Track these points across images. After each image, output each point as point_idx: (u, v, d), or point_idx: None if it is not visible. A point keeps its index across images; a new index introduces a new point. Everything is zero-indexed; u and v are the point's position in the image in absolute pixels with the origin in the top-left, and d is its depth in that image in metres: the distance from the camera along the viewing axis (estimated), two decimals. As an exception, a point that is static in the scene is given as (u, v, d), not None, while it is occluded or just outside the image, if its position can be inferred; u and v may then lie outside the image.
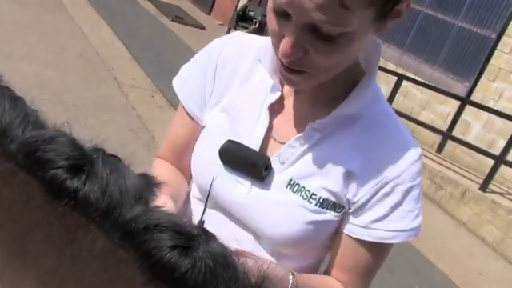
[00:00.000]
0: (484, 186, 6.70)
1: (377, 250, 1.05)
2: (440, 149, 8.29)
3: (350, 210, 1.02)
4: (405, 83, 8.30)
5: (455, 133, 8.00)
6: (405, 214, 1.01)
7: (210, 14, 14.23)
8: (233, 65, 1.09)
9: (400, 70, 9.07)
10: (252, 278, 0.36)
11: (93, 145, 0.38)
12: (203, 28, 12.12)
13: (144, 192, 0.37)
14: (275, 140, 1.04)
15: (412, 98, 9.10)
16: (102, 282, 0.33)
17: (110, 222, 0.34)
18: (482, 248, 6.24)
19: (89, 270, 0.34)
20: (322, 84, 0.97)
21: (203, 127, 1.12)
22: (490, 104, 7.73)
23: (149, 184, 0.38)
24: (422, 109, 8.93)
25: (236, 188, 1.03)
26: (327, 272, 1.09)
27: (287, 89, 1.06)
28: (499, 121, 7.49)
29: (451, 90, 8.14)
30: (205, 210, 0.93)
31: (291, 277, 0.96)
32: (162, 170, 1.17)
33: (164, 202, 0.74)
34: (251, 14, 11.17)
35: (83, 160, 0.36)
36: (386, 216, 1.00)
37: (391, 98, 8.09)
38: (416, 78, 8.69)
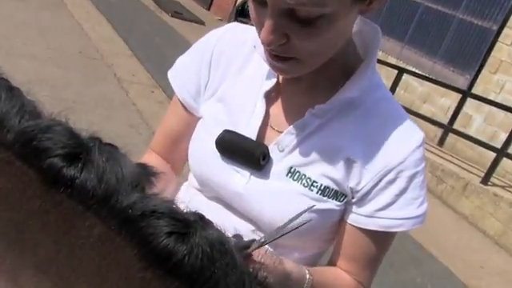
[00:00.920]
0: (485, 179, 6.69)
1: (382, 239, 1.04)
2: (441, 142, 8.28)
3: (354, 200, 1.01)
4: (405, 76, 8.28)
5: (456, 126, 7.98)
6: (410, 202, 1.00)
7: (209, 9, 14.20)
8: (228, 55, 1.07)
9: (400, 64, 9.05)
10: (250, 265, 0.35)
11: (89, 134, 0.38)
12: (203, 23, 12.09)
13: (141, 179, 0.37)
14: (273, 128, 1.03)
15: (413, 91, 9.08)
16: (99, 268, 0.33)
17: (106, 209, 0.34)
18: (484, 241, 6.24)
19: (86, 257, 0.34)
20: (319, 70, 0.95)
21: (198, 118, 1.11)
22: (492, 97, 7.71)
23: (145, 172, 0.38)
24: (423, 102, 8.92)
25: (234, 178, 1.02)
26: (332, 263, 1.08)
27: (284, 76, 1.04)
28: (501, 113, 7.48)
29: (452, 83, 8.13)
30: None
31: (308, 275, 0.94)
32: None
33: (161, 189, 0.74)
34: (251, 8, 11.11)
35: (79, 148, 0.36)
36: (390, 204, 0.99)
37: (392, 92, 8.02)
38: (417, 71, 8.67)
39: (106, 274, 0.33)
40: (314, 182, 0.98)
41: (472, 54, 8.39)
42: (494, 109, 7.50)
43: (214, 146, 1.02)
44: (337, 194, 1.00)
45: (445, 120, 8.21)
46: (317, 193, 0.98)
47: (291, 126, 1.00)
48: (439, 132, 8.35)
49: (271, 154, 1.00)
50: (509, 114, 7.06)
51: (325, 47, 0.90)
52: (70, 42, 7.33)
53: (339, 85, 0.99)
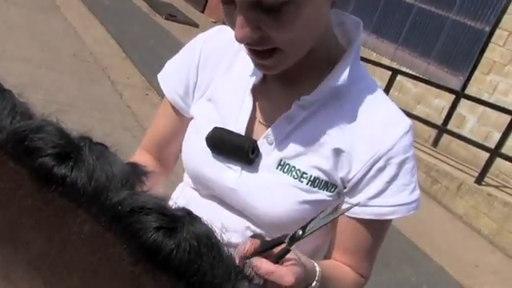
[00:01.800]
0: (479, 179, 6.71)
1: (377, 228, 1.05)
2: (435, 142, 8.31)
3: (345, 190, 1.02)
4: (399, 78, 8.32)
5: (450, 126, 8.01)
6: (401, 188, 1.01)
7: (203, 11, 14.21)
8: (216, 56, 1.09)
9: (394, 65, 9.08)
10: (236, 259, 0.36)
11: (80, 133, 0.38)
12: (197, 26, 12.09)
13: (130, 177, 0.38)
14: (261, 123, 1.04)
15: (407, 92, 9.11)
16: (90, 263, 0.34)
17: (97, 206, 0.35)
18: (478, 240, 6.26)
19: (78, 252, 0.34)
20: (302, 62, 0.96)
21: (188, 119, 1.13)
22: (485, 97, 7.75)
23: (136, 170, 0.38)
24: (417, 103, 8.95)
25: (226, 173, 1.03)
26: (328, 257, 1.09)
27: None
28: (494, 114, 7.51)
29: (446, 84, 8.16)
30: None
31: (317, 268, 0.93)
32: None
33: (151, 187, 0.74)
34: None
35: (70, 147, 0.37)
36: (382, 191, 1.00)
37: (386, 93, 8.05)
38: (410, 72, 8.70)
39: (97, 268, 0.34)
40: (303, 173, 0.99)
41: (465, 55, 8.42)
42: (487, 109, 7.53)
43: (204, 143, 1.04)
44: (327, 185, 1.00)
45: (439, 121, 8.24)
46: (307, 184, 0.99)
47: (279, 119, 1.01)
48: (433, 133, 8.38)
49: (261, 148, 1.01)
50: (502, 114, 7.09)
51: (301, 34, 0.89)
52: (63, 44, 7.32)
53: (323, 76, 1.00)
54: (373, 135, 0.99)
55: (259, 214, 1.01)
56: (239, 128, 1.03)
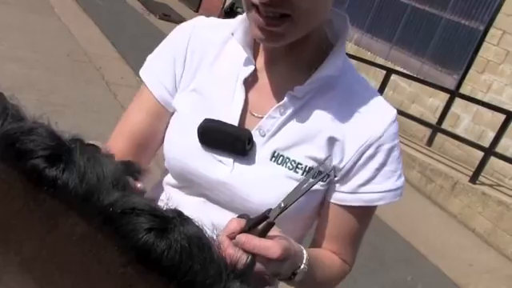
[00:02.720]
0: (474, 178, 6.73)
1: (364, 214, 1.08)
2: (430, 142, 8.33)
3: (336, 178, 1.04)
4: (394, 77, 8.33)
5: (445, 125, 8.03)
6: (389, 175, 1.04)
7: (197, 11, 14.19)
8: (202, 48, 1.08)
9: (389, 64, 9.10)
10: (227, 259, 0.36)
11: (71, 135, 0.38)
12: (191, 25, 12.05)
13: (122, 178, 0.38)
14: (253, 114, 1.03)
15: (401, 91, 9.13)
16: (82, 265, 0.34)
17: (88, 207, 0.35)
18: (473, 239, 6.28)
19: (69, 253, 0.34)
20: (295, 53, 0.99)
21: (171, 114, 1.09)
22: (479, 96, 7.77)
23: (127, 170, 0.38)
24: (412, 102, 8.97)
25: (217, 167, 1.01)
26: (315, 244, 1.10)
27: (260, 62, 1.06)
28: (488, 113, 7.53)
29: (440, 83, 8.18)
30: None
31: (305, 252, 0.94)
32: None
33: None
34: (239, 10, 11.16)
35: (61, 149, 0.37)
36: (372, 178, 1.03)
37: (380, 92, 8.09)
38: (405, 71, 8.72)
39: (88, 270, 0.34)
40: (298, 164, 1.00)
41: (459, 54, 8.44)
42: (481, 108, 7.55)
43: (193, 137, 1.01)
44: (321, 174, 1.00)
45: (433, 120, 8.26)
46: (302, 174, 1.00)
47: (271, 110, 1.01)
48: (428, 132, 8.39)
49: (254, 140, 1.01)
50: (496, 113, 7.11)
51: (316, 7, 0.91)
52: (57, 45, 7.30)
53: (314, 67, 1.02)
54: (363, 124, 1.02)
55: (252, 207, 1.00)
56: (231, 120, 1.01)
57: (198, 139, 1.01)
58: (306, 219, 1.08)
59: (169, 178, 1.11)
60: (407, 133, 8.69)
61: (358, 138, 1.02)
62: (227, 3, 11.71)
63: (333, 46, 1.05)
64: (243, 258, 0.79)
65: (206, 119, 1.01)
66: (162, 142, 1.11)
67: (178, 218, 0.38)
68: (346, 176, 1.03)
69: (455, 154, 7.99)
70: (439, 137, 8.15)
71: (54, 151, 0.37)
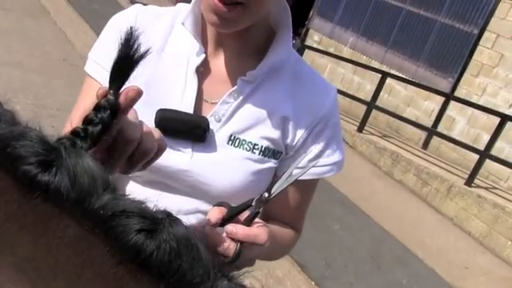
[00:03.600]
0: (469, 181, 6.75)
1: (312, 186, 1.16)
2: (425, 145, 8.36)
3: (288, 155, 1.09)
4: (389, 80, 8.35)
5: (440, 129, 8.06)
6: (335, 148, 1.12)
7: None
8: (147, 37, 1.04)
9: (384, 68, 9.13)
10: (215, 258, 0.38)
11: (58, 137, 0.39)
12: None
13: (110, 180, 0.39)
14: (207, 102, 1.06)
15: (396, 95, 9.15)
16: (75, 266, 0.35)
17: (80, 210, 0.37)
18: (469, 242, 6.29)
19: (62, 255, 0.36)
20: (243, 39, 1.03)
21: None
22: (474, 99, 7.80)
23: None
24: (407, 105, 8.99)
25: (177, 156, 1.03)
26: (267, 218, 1.13)
27: (210, 50, 1.08)
28: (483, 116, 7.56)
29: (435, 87, 8.20)
30: None
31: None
32: None
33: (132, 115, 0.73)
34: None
35: (52, 154, 0.38)
36: (322, 152, 1.10)
37: (376, 96, 8.14)
38: (400, 75, 8.74)
39: (81, 270, 0.35)
40: (255, 145, 1.05)
41: (454, 58, 8.48)
42: (476, 111, 7.58)
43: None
44: (274, 153, 1.07)
45: (428, 123, 8.29)
46: (259, 154, 1.06)
47: (225, 95, 1.04)
48: (423, 135, 8.42)
49: (210, 126, 1.04)
50: (491, 116, 7.15)
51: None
52: (53, 49, 7.31)
53: (261, 53, 1.07)
54: (310, 102, 1.09)
55: (213, 190, 1.04)
56: (186, 108, 1.03)
57: None
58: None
59: None
60: (403, 136, 8.71)
61: (307, 115, 1.08)
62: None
63: (275, 32, 1.10)
64: (232, 247, 0.85)
65: (161, 109, 1.02)
66: None
67: (166, 219, 0.39)
68: (298, 152, 1.09)
69: (451, 157, 8.01)
70: (435, 140, 8.18)
71: (45, 157, 0.38)
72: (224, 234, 0.87)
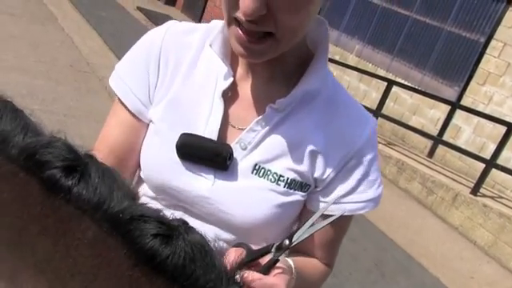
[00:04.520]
0: (475, 190, 6.73)
1: (345, 222, 1.10)
2: (431, 153, 8.34)
3: (318, 189, 1.04)
4: (395, 88, 8.35)
5: (446, 137, 8.05)
6: (371, 184, 1.05)
7: (199, 22, 14.27)
8: (176, 56, 1.04)
9: (390, 76, 9.13)
10: (228, 265, 0.39)
11: (85, 150, 0.42)
12: (194, 36, 12.10)
13: (131, 191, 0.41)
14: (233, 127, 1.02)
15: (402, 103, 9.15)
16: (92, 267, 0.37)
17: (100, 213, 0.38)
18: (474, 251, 6.27)
19: (80, 256, 0.37)
20: (275, 64, 0.97)
21: (147, 124, 1.06)
22: (480, 108, 7.79)
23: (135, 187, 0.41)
24: (413, 114, 8.98)
25: (198, 182, 0.99)
26: (297, 251, 1.09)
27: (239, 74, 1.03)
28: (489, 125, 7.54)
29: (441, 95, 8.20)
30: None
31: (291, 262, 0.95)
32: None
33: None
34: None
35: (77, 162, 0.40)
36: (355, 188, 1.03)
37: (381, 104, 8.14)
38: (406, 83, 8.74)
39: (97, 271, 0.37)
40: (280, 176, 0.99)
41: (460, 66, 8.47)
42: (482, 120, 7.56)
43: (172, 151, 0.98)
44: (302, 186, 1.01)
45: (434, 131, 8.28)
46: (284, 187, 1.00)
47: (253, 123, 0.99)
48: (429, 143, 8.41)
49: (234, 153, 0.99)
50: (497, 125, 7.12)
51: (301, 24, 0.88)
52: (60, 55, 7.35)
53: (294, 78, 1.01)
54: (344, 134, 1.02)
55: (234, 220, 1.00)
56: (210, 133, 0.99)
57: (176, 154, 0.99)
58: (286, 227, 1.08)
59: (145, 189, 1.08)
60: (408, 144, 8.70)
61: (339, 149, 1.02)
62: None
63: (312, 54, 1.03)
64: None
65: (183, 134, 0.98)
66: None
67: (183, 226, 0.40)
68: (329, 187, 1.03)
69: (456, 165, 7.99)
70: (440, 148, 8.16)
71: (71, 163, 0.39)
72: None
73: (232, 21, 0.88)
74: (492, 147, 7.21)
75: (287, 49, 0.93)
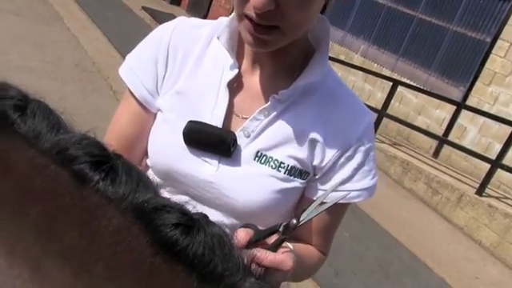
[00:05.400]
0: (480, 191, 6.72)
1: (340, 210, 1.15)
2: (436, 153, 8.34)
3: (316, 176, 1.09)
4: (400, 88, 8.35)
5: (451, 137, 8.04)
6: (366, 174, 1.10)
7: (205, 22, 14.26)
8: (185, 49, 1.10)
9: (395, 76, 9.13)
10: (245, 259, 0.41)
11: (113, 150, 0.45)
12: (199, 36, 12.11)
13: (155, 186, 0.44)
14: (238, 116, 1.07)
15: (407, 103, 9.15)
16: (115, 253, 0.38)
17: (125, 203, 0.40)
18: (479, 252, 6.26)
19: (104, 243, 0.39)
20: (279, 58, 1.03)
21: (154, 115, 1.12)
22: (486, 108, 7.78)
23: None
24: (418, 114, 8.98)
25: (203, 167, 1.05)
26: (295, 240, 1.13)
27: (244, 66, 1.09)
28: (495, 125, 7.54)
29: (446, 95, 8.19)
30: None
31: (291, 246, 0.98)
32: None
33: None
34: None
35: (106, 158, 0.43)
36: (351, 177, 1.09)
37: (386, 104, 8.13)
38: (411, 83, 8.74)
39: (121, 258, 0.38)
40: (281, 163, 1.05)
41: (466, 66, 8.46)
42: (488, 120, 7.55)
43: (179, 138, 1.04)
44: (301, 173, 1.07)
45: (439, 132, 8.27)
46: (284, 173, 1.06)
47: (256, 112, 1.05)
48: (434, 144, 8.40)
49: (238, 141, 1.05)
50: (503, 125, 7.11)
51: (306, 19, 0.95)
52: (66, 55, 7.38)
53: (296, 71, 1.08)
54: (343, 126, 1.08)
55: (237, 204, 1.05)
56: (216, 121, 1.05)
57: (183, 141, 1.04)
58: (284, 213, 1.13)
59: (150, 177, 1.12)
60: (413, 144, 8.70)
61: (338, 139, 1.07)
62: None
63: (314, 49, 1.10)
64: (257, 271, 0.85)
65: (190, 121, 1.04)
66: None
67: (204, 218, 0.43)
68: (327, 175, 1.09)
69: (461, 165, 7.99)
70: (446, 149, 8.15)
71: (100, 158, 0.42)
72: (249, 258, 0.88)
73: (242, 16, 0.94)
74: (497, 147, 7.20)
75: (291, 41, 0.98)
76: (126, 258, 0.38)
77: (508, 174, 6.84)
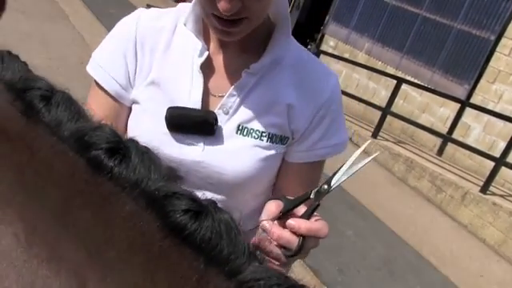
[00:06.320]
0: (484, 188, 6.72)
1: (318, 166, 1.20)
2: (440, 151, 8.33)
3: (294, 139, 1.15)
4: (404, 86, 8.34)
5: (455, 135, 8.04)
6: (338, 129, 1.16)
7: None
8: (152, 39, 1.13)
9: (399, 74, 9.12)
10: (250, 245, 0.44)
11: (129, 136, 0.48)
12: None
13: (167, 173, 0.47)
14: (214, 96, 1.12)
15: (412, 101, 9.14)
16: (127, 237, 0.41)
17: (138, 190, 0.43)
18: (484, 250, 6.26)
19: (117, 228, 0.41)
20: (244, 37, 1.07)
21: (127, 108, 1.15)
22: (490, 106, 7.77)
23: (172, 173, 0.48)
24: (422, 112, 8.98)
25: (190, 149, 1.10)
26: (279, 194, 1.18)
27: (213, 47, 1.14)
28: (499, 123, 7.53)
29: (451, 93, 8.18)
30: None
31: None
32: None
33: None
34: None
35: (120, 145, 0.45)
36: (325, 134, 1.14)
37: (391, 102, 8.13)
38: (415, 81, 8.73)
39: (132, 241, 0.41)
40: (262, 132, 1.12)
41: (470, 64, 8.45)
42: (492, 118, 7.55)
43: (161, 125, 1.08)
44: (281, 138, 1.13)
45: (444, 130, 8.27)
46: (267, 141, 1.12)
47: (231, 89, 1.10)
48: (438, 141, 8.40)
49: (218, 118, 1.09)
50: (507, 123, 7.11)
51: (269, 4, 1.02)
52: (71, 52, 7.41)
53: (263, 45, 1.13)
54: (313, 88, 1.14)
55: (227, 178, 1.11)
56: (194, 104, 1.09)
57: (166, 127, 1.08)
58: (269, 180, 1.18)
59: None
60: (417, 142, 8.69)
61: (310, 100, 1.13)
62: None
63: (274, 24, 1.15)
64: (294, 240, 0.90)
65: (170, 107, 1.08)
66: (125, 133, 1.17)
67: (212, 204, 0.45)
68: (303, 136, 1.15)
69: (466, 163, 7.98)
70: (450, 146, 8.15)
71: (114, 145, 0.44)
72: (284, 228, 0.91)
73: (209, 14, 0.99)
74: (502, 145, 7.19)
75: (257, 25, 1.04)
76: (138, 242, 0.41)
77: (512, 171, 6.84)
